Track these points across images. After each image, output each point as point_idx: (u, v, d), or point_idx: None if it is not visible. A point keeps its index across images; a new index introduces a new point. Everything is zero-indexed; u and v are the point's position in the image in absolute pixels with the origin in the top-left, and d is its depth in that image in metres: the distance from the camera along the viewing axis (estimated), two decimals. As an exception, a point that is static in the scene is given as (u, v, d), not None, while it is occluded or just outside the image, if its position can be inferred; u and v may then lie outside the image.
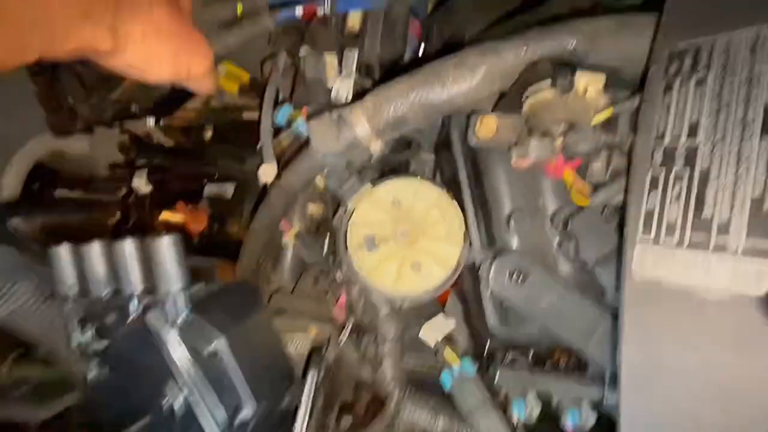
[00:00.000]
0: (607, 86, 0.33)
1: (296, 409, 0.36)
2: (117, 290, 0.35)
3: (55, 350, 0.43)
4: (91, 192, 1.04)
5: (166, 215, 0.95)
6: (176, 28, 0.37)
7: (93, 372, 0.36)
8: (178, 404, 0.31)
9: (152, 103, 0.72)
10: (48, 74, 0.69)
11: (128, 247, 0.33)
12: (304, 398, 0.36)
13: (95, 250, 0.34)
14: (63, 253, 0.35)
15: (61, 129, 0.76)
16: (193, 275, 0.34)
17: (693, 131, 0.24)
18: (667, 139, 0.25)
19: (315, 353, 0.42)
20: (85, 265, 0.35)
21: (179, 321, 0.32)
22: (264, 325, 0.39)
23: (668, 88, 0.26)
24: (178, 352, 0.31)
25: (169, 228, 0.97)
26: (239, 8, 0.64)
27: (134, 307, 0.33)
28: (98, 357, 0.36)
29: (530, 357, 0.48)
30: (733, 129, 0.23)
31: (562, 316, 0.41)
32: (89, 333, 0.35)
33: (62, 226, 0.97)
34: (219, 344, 0.31)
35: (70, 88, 0.71)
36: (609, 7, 0.42)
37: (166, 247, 0.32)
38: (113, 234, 0.91)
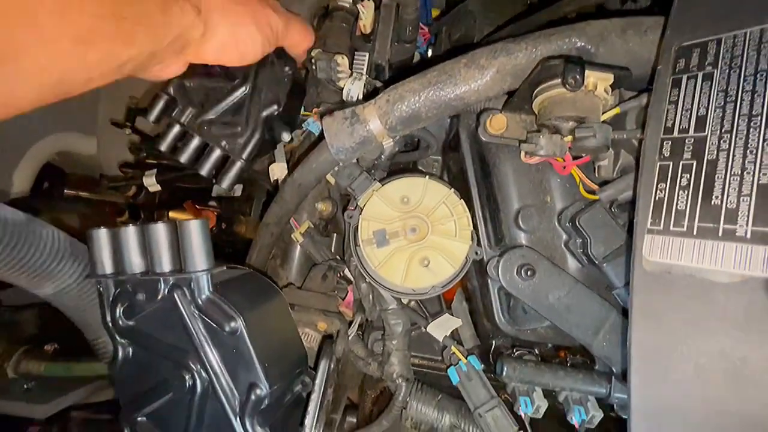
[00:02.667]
0: (614, 85, 0.34)
1: (308, 396, 0.37)
2: (147, 270, 0.36)
3: (90, 329, 0.44)
4: (99, 191, 1.05)
5: (174, 214, 0.96)
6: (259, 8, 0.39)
7: (121, 349, 0.37)
8: (198, 381, 0.32)
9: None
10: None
11: (161, 229, 0.35)
12: (317, 385, 0.37)
13: (131, 232, 0.36)
14: (102, 235, 0.37)
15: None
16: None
17: (700, 124, 0.25)
18: (675, 132, 0.26)
19: (326, 343, 0.43)
20: (120, 246, 0.36)
21: (202, 300, 0.34)
22: (281, 310, 0.40)
23: (676, 83, 0.27)
24: (199, 330, 0.32)
25: (176, 227, 0.98)
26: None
27: (163, 286, 0.35)
28: (127, 335, 0.37)
29: (537, 354, 0.48)
30: (740, 121, 0.23)
31: (569, 311, 0.41)
32: (120, 311, 0.36)
33: (70, 225, 0.98)
34: (238, 324, 0.32)
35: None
36: (614, 10, 0.44)
37: (194, 229, 0.33)
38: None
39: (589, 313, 0.41)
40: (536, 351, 0.49)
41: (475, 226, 0.48)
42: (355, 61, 0.59)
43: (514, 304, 0.48)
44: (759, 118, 0.23)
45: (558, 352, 0.52)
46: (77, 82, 0.30)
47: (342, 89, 0.57)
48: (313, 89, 0.66)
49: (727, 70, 0.24)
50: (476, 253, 0.48)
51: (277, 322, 0.38)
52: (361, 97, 0.56)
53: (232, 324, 0.33)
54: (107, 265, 0.37)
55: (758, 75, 0.23)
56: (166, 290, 0.35)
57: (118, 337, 0.37)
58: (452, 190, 0.48)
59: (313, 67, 0.60)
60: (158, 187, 0.91)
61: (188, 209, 0.89)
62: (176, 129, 0.50)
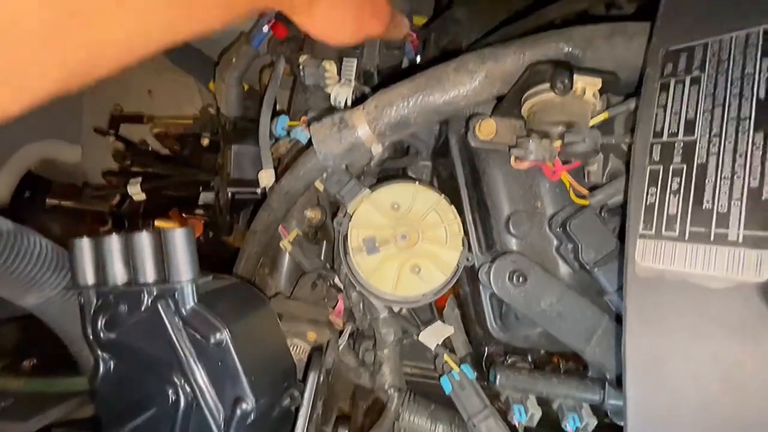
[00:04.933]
0: (603, 90, 0.34)
1: (297, 410, 0.36)
2: (130, 281, 0.35)
3: (71, 342, 0.42)
4: (82, 200, 1.03)
5: (159, 223, 0.94)
6: (366, 1, 0.39)
7: (102, 363, 0.36)
8: (182, 396, 0.31)
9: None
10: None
11: (144, 238, 0.34)
12: (305, 399, 0.35)
13: (114, 241, 0.35)
14: (84, 244, 0.35)
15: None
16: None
17: (689, 128, 0.25)
18: (664, 136, 0.26)
19: (315, 355, 0.42)
20: (103, 256, 0.35)
21: (187, 311, 0.33)
22: (268, 321, 0.39)
23: (664, 87, 0.27)
24: (184, 342, 0.31)
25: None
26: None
27: (146, 297, 0.34)
28: (109, 347, 0.35)
29: (530, 361, 0.48)
30: (728, 125, 0.23)
31: (561, 317, 0.41)
32: (101, 323, 0.35)
33: (52, 235, 0.95)
34: (224, 335, 0.31)
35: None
36: (599, 16, 0.44)
37: (179, 238, 0.32)
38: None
39: (581, 319, 0.41)
40: (529, 357, 0.49)
41: (465, 232, 0.48)
42: (343, 67, 0.59)
43: (506, 310, 0.47)
44: (747, 121, 0.23)
45: (551, 358, 0.51)
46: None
47: (330, 95, 0.57)
48: (301, 95, 0.65)
49: (715, 74, 0.24)
50: (467, 260, 0.47)
51: (264, 333, 0.36)
52: (349, 103, 0.56)
53: (218, 335, 0.32)
54: (89, 276, 0.36)
55: (745, 79, 0.23)
56: (150, 301, 0.34)
57: (99, 351, 0.36)
58: (442, 196, 0.48)
59: (301, 74, 0.59)
60: (143, 196, 0.90)
61: (174, 218, 0.87)
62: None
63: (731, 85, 0.24)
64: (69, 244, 0.36)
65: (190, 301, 0.32)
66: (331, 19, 0.38)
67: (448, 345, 0.55)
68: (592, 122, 0.36)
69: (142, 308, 0.33)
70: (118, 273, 0.35)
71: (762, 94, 0.22)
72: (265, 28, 0.67)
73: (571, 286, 0.43)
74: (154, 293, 0.33)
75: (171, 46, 0.25)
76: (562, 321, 0.41)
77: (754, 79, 0.23)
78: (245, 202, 0.73)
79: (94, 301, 0.35)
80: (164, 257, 0.33)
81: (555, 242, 0.44)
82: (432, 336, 0.52)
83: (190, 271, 0.32)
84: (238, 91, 0.74)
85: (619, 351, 0.26)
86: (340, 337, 0.54)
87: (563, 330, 0.41)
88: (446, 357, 0.49)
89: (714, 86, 0.24)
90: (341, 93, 0.56)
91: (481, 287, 0.47)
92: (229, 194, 0.68)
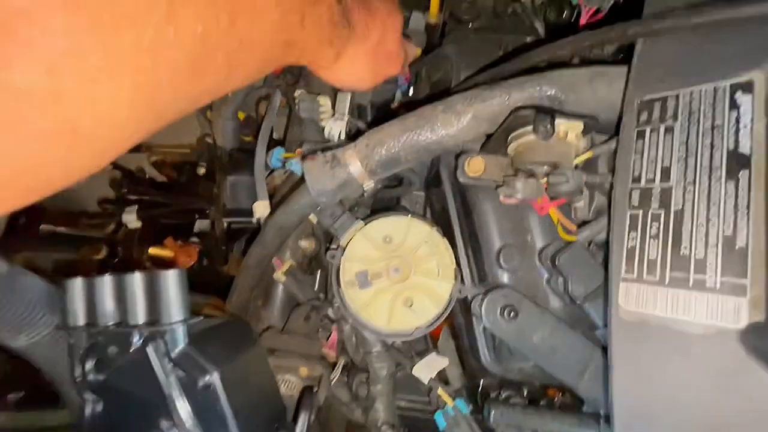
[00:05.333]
0: (585, 131, 0.36)
1: (287, 454, 0.35)
2: (121, 321, 0.35)
3: (59, 382, 0.42)
4: (78, 227, 1.03)
5: (154, 251, 0.94)
6: (383, 50, 0.44)
7: (90, 405, 0.35)
8: (170, 439, 0.30)
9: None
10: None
11: (137, 279, 0.34)
12: (295, 443, 0.35)
13: (106, 282, 0.35)
14: (77, 285, 0.36)
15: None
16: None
17: (665, 174, 0.26)
18: (642, 182, 0.27)
19: (306, 394, 0.41)
20: (95, 296, 0.35)
21: (176, 353, 0.33)
22: (258, 362, 0.39)
23: (640, 134, 0.28)
24: (172, 385, 0.31)
25: (157, 263, 0.96)
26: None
27: (136, 338, 0.34)
28: (96, 389, 0.35)
29: (525, 394, 0.47)
30: (701, 173, 0.24)
31: (554, 352, 0.41)
32: (90, 365, 0.34)
33: (46, 262, 0.95)
34: (212, 378, 0.31)
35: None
36: (584, 59, 0.46)
37: (171, 279, 0.33)
38: (99, 270, 0.89)
39: (574, 354, 0.41)
40: (524, 390, 0.48)
41: (458, 264, 0.48)
42: (337, 102, 0.60)
43: (500, 343, 0.47)
44: (719, 171, 0.24)
45: (546, 391, 0.51)
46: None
47: (324, 129, 0.58)
48: (296, 128, 0.67)
49: (687, 125, 0.26)
50: (460, 291, 0.48)
51: (254, 375, 0.36)
52: (343, 136, 0.57)
53: (207, 378, 0.31)
54: (80, 316, 0.36)
55: (715, 130, 0.24)
56: (140, 342, 0.33)
57: (86, 393, 0.36)
58: (435, 228, 0.48)
59: (297, 107, 0.61)
60: (138, 224, 0.90)
61: (169, 246, 0.87)
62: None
63: (702, 135, 0.25)
64: (62, 285, 0.36)
65: (180, 343, 0.32)
66: (352, 73, 0.42)
67: (443, 377, 0.54)
68: (576, 161, 0.37)
69: (132, 350, 0.33)
70: (109, 313, 0.35)
71: (731, 146, 0.23)
72: None
73: (563, 319, 0.43)
74: (145, 334, 0.33)
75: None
76: (554, 355, 0.41)
77: (723, 130, 0.24)
78: (241, 231, 0.73)
79: (85, 342, 0.35)
80: (155, 298, 0.33)
81: (545, 275, 0.45)
82: (426, 369, 0.52)
83: (182, 313, 0.33)
84: (234, 124, 0.75)
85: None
86: (333, 370, 0.53)
87: (556, 364, 0.41)
88: (440, 391, 0.49)
89: (687, 136, 0.25)
90: (335, 127, 0.57)
91: (474, 319, 0.47)
92: (225, 224, 0.68)
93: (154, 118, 0.24)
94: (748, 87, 0.24)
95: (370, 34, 0.42)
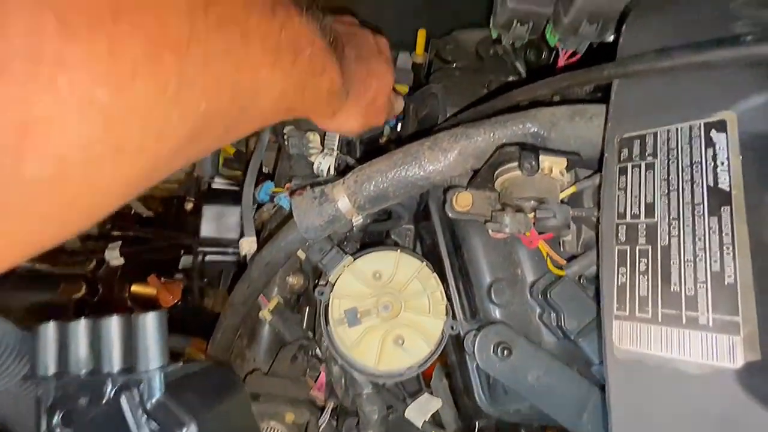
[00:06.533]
0: (569, 167, 0.36)
1: None
2: (94, 370, 0.32)
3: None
4: (57, 264, 0.99)
5: (137, 288, 0.91)
6: (374, 106, 0.49)
7: None
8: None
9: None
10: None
11: (114, 323, 0.32)
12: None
13: (81, 327, 0.33)
14: (49, 330, 0.33)
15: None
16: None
17: (650, 210, 0.26)
18: (628, 217, 0.27)
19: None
20: (67, 342, 0.33)
21: (152, 404, 0.30)
22: (241, 410, 0.37)
23: (622, 171, 0.29)
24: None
25: (140, 301, 0.92)
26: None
27: (109, 387, 0.31)
28: None
29: (522, 437, 0.45)
30: (684, 209, 0.25)
31: (550, 392, 0.40)
32: (58, 418, 0.32)
33: (23, 302, 0.90)
34: (190, 430, 0.29)
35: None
36: (563, 98, 0.48)
37: (150, 323, 0.31)
38: (77, 310, 0.86)
39: (570, 393, 0.39)
40: (521, 432, 0.46)
41: (449, 299, 0.47)
42: (327, 138, 0.61)
43: (494, 381, 0.46)
44: (701, 207, 0.24)
45: (545, 431, 0.49)
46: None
47: (313, 164, 0.58)
48: (285, 162, 0.67)
49: (666, 161, 0.26)
50: (452, 328, 0.46)
51: (236, 424, 0.34)
52: (332, 171, 0.58)
53: (184, 430, 0.29)
54: (51, 365, 0.33)
55: (694, 167, 0.25)
56: (113, 392, 0.31)
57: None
58: (425, 263, 0.48)
59: (286, 143, 0.61)
60: (121, 261, 0.87)
61: (152, 283, 0.84)
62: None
63: (682, 171, 0.25)
64: (33, 330, 0.34)
65: (156, 392, 0.30)
66: (344, 125, 0.47)
67: (437, 419, 0.52)
68: (561, 195, 0.37)
69: (104, 400, 0.31)
70: (82, 361, 0.32)
71: (711, 182, 0.24)
72: None
73: (557, 355, 0.42)
74: (119, 383, 0.31)
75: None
76: (550, 395, 0.40)
77: (701, 167, 0.25)
78: (219, 264, 0.71)
79: (53, 393, 0.33)
80: (132, 343, 0.31)
81: (537, 310, 0.44)
82: (419, 411, 0.49)
83: (160, 359, 0.31)
84: (212, 153, 0.76)
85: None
86: (321, 414, 0.50)
87: (553, 405, 0.40)
88: (434, 434, 0.46)
89: (667, 172, 0.26)
90: (324, 162, 0.58)
91: (467, 357, 0.46)
92: (201, 255, 0.67)
93: (147, 184, 0.25)
94: (721, 126, 0.25)
95: (366, 95, 0.46)
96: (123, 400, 0.30)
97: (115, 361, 0.31)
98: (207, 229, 0.71)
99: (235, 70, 0.24)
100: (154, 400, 0.30)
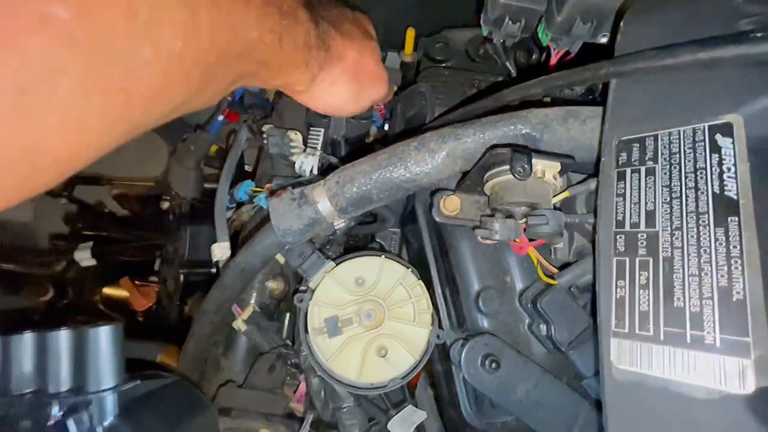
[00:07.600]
0: (563, 170, 0.34)
1: None
2: (39, 389, 0.29)
3: None
4: (26, 265, 0.94)
5: (109, 291, 0.86)
6: (363, 71, 0.43)
7: None
8: None
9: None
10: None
11: (63, 337, 0.29)
12: None
13: (26, 341, 0.30)
14: None
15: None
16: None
17: (651, 219, 0.24)
18: (626, 226, 0.25)
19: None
20: (10, 359, 0.30)
21: (104, 427, 0.27)
22: (207, 429, 0.34)
23: (621, 176, 0.27)
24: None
25: (112, 305, 0.88)
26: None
27: (56, 410, 0.28)
28: None
29: (510, 452, 0.43)
30: (688, 218, 0.23)
31: (539, 407, 0.38)
32: None
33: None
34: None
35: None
36: (555, 99, 0.46)
37: (103, 338, 0.28)
38: (44, 315, 0.81)
39: (560, 408, 0.38)
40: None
41: (436, 307, 0.45)
42: (310, 137, 0.58)
43: (481, 393, 0.44)
44: (706, 216, 0.22)
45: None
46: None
47: (294, 164, 0.55)
48: (266, 163, 0.64)
49: (668, 166, 0.24)
50: (438, 337, 0.44)
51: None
52: (315, 172, 0.55)
53: (140, 458, 0.26)
54: None
55: (698, 173, 0.23)
56: (60, 415, 0.28)
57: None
58: (410, 269, 0.46)
59: (266, 142, 0.58)
60: (92, 262, 0.83)
61: (125, 286, 0.80)
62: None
63: (686, 178, 0.24)
64: None
65: (109, 415, 0.27)
66: (333, 95, 0.41)
67: (421, 431, 0.50)
68: (554, 200, 0.35)
69: (50, 423, 0.28)
70: (26, 379, 0.29)
71: (716, 189, 0.22)
72: (221, 117, 0.69)
73: (546, 367, 0.40)
74: (67, 405, 0.28)
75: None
76: (540, 410, 0.38)
77: (706, 173, 0.23)
78: (198, 283, 0.69)
79: (-11, 415, 0.29)
80: (83, 359, 0.28)
81: (527, 320, 0.42)
82: (402, 424, 0.47)
83: (114, 378, 0.28)
84: (197, 174, 0.73)
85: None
86: (299, 428, 0.48)
87: (542, 421, 0.38)
88: (418, 450, 0.44)
89: (669, 178, 0.24)
90: (306, 162, 0.55)
91: (453, 368, 0.43)
92: (182, 277, 0.64)
93: (121, 137, 0.23)
94: (727, 129, 0.23)
95: (346, 54, 0.42)
96: (71, 424, 0.27)
97: (62, 380, 0.28)
98: (189, 252, 0.68)
99: (210, 4, 0.23)
100: (106, 424, 0.27)
